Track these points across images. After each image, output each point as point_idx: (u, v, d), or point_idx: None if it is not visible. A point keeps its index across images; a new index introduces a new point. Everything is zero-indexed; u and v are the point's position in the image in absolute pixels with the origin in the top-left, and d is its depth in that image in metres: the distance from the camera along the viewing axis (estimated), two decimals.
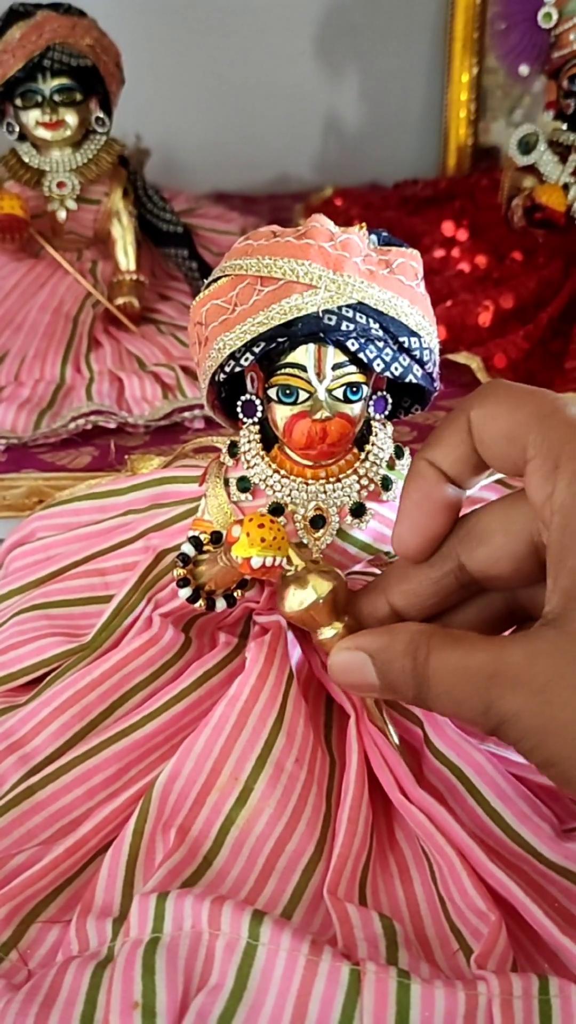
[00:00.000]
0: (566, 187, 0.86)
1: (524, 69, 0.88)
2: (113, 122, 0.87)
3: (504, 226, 0.93)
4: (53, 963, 0.36)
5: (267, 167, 1.25)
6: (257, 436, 0.45)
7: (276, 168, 1.26)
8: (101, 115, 0.85)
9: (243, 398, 0.45)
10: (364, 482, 0.45)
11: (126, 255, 0.88)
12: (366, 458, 0.45)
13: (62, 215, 0.86)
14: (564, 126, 0.87)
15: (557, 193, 0.86)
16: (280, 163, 1.26)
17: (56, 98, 0.83)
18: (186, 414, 0.74)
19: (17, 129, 0.84)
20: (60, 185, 0.85)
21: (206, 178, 1.19)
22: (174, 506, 0.54)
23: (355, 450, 0.45)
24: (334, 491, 0.45)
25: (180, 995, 0.33)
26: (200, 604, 0.46)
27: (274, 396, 0.43)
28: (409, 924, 0.38)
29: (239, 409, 0.45)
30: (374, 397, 0.45)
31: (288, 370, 0.42)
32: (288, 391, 0.42)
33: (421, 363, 0.44)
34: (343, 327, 0.41)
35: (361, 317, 0.41)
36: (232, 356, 0.43)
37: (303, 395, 0.42)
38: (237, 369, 0.43)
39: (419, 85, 1.24)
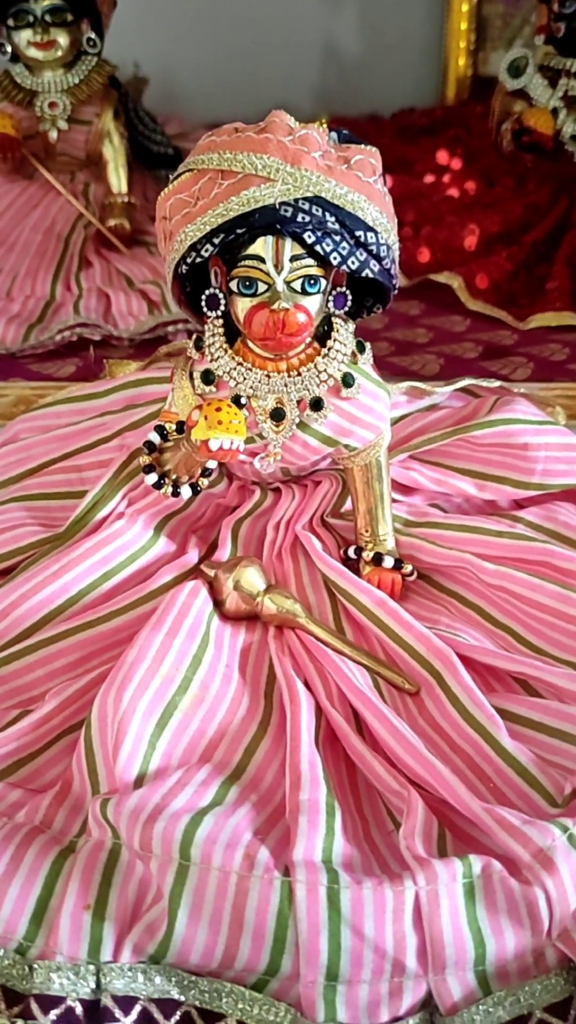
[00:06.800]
0: (555, 111, 0.86)
1: None
2: (108, 48, 0.87)
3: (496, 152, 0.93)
4: (12, 817, 0.39)
5: (265, 96, 1.23)
6: (221, 329, 0.47)
7: (274, 98, 1.23)
8: (92, 36, 0.86)
9: (207, 292, 0.46)
10: (324, 376, 0.46)
11: (118, 177, 0.88)
12: (327, 353, 0.47)
13: (53, 135, 0.87)
14: (555, 50, 0.87)
15: (545, 116, 0.86)
16: (278, 92, 1.24)
17: (47, 18, 0.84)
18: (170, 328, 0.76)
19: (9, 50, 0.85)
20: (52, 105, 0.86)
21: (202, 107, 1.18)
22: (148, 406, 0.56)
23: (316, 345, 0.47)
24: (295, 384, 0.46)
25: (131, 909, 0.35)
26: (165, 491, 0.48)
27: (235, 288, 0.44)
28: (351, 802, 0.40)
29: (203, 303, 0.47)
30: (334, 293, 0.46)
31: (247, 262, 0.43)
32: (248, 283, 0.44)
33: (378, 258, 0.45)
34: (299, 219, 0.43)
35: (318, 210, 0.43)
36: (193, 248, 0.44)
37: (262, 287, 0.44)
38: (199, 261, 0.45)
39: (419, 14, 1.22)
